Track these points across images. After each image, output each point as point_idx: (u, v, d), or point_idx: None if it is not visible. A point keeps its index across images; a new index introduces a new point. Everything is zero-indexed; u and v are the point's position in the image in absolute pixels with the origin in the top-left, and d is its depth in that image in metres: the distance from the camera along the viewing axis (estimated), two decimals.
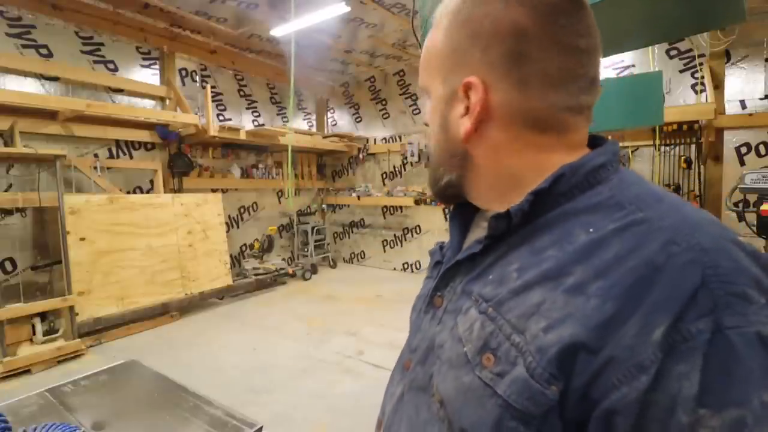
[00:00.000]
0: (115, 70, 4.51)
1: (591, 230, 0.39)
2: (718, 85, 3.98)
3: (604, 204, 0.41)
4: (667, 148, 4.20)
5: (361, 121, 7.08)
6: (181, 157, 4.87)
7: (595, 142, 0.50)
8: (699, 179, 4.06)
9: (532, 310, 0.38)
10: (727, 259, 0.33)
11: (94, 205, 3.79)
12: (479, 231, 0.53)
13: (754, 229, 2.33)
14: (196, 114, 4.83)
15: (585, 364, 0.34)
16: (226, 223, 5.26)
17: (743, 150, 3.99)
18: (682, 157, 4.15)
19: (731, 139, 4.03)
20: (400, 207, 6.52)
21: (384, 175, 6.77)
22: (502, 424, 0.37)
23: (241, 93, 6.00)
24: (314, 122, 7.39)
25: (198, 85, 5.34)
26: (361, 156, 6.91)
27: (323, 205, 7.30)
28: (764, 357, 0.30)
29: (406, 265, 6.57)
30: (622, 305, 0.33)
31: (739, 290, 0.32)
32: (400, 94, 6.54)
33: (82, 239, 3.66)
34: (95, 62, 4.35)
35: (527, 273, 0.41)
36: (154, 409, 1.11)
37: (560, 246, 0.40)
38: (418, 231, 6.42)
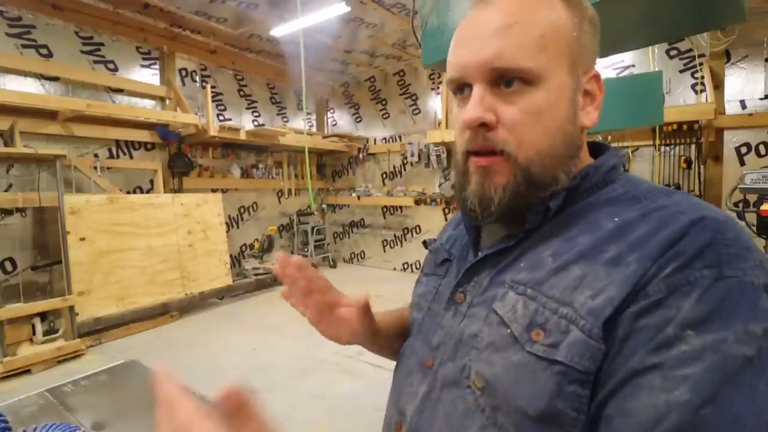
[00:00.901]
0: (115, 70, 4.51)
1: (616, 219, 0.44)
2: (718, 85, 3.98)
3: (622, 198, 0.47)
4: (667, 148, 4.20)
5: (361, 121, 7.08)
6: (181, 157, 4.87)
7: (600, 147, 0.55)
8: (699, 179, 4.06)
9: (575, 284, 0.42)
10: (732, 230, 0.40)
11: (94, 205, 3.79)
12: (498, 228, 0.54)
13: (754, 229, 2.33)
14: (196, 114, 4.83)
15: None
16: (226, 223, 5.26)
17: (743, 150, 3.99)
18: (682, 157, 4.14)
19: (731, 139, 4.03)
20: (400, 207, 6.52)
21: (384, 175, 6.77)
22: (562, 391, 0.39)
23: (241, 93, 6.00)
24: (314, 122, 7.39)
25: (198, 85, 5.34)
26: (361, 156, 6.91)
27: (323, 205, 7.30)
28: (754, 298, 0.36)
29: (406, 265, 6.57)
30: (655, 260, 0.39)
31: (739, 252, 0.38)
32: (400, 94, 6.54)
33: (82, 239, 3.66)
34: (95, 62, 4.35)
35: (562, 256, 0.45)
36: (154, 409, 1.11)
37: (590, 233, 0.45)
38: (418, 231, 6.42)
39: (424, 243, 0.71)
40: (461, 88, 0.50)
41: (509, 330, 0.44)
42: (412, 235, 6.49)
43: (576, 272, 0.42)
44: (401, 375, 0.59)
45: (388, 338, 0.68)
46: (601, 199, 0.48)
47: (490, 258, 0.52)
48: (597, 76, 0.50)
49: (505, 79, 0.46)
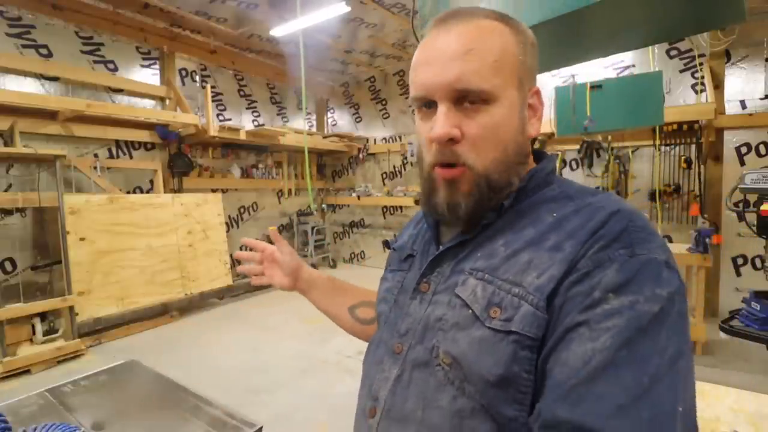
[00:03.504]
0: (115, 70, 4.51)
1: (554, 214, 0.54)
2: (718, 85, 3.98)
3: (559, 197, 0.56)
4: (667, 148, 4.20)
5: (361, 121, 7.08)
6: (181, 157, 4.87)
7: (539, 153, 0.64)
8: (699, 179, 4.06)
9: (524, 267, 0.50)
10: (640, 219, 0.50)
11: (94, 205, 3.79)
12: (457, 223, 0.60)
13: (754, 229, 2.33)
14: (196, 114, 4.82)
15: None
16: (226, 223, 5.26)
17: (743, 150, 3.99)
18: (682, 157, 4.14)
19: (731, 139, 4.03)
20: (400, 207, 6.52)
21: (384, 175, 6.77)
22: (516, 356, 0.47)
23: (241, 93, 6.00)
24: (314, 122, 7.38)
25: (198, 85, 5.34)
26: (361, 156, 6.91)
27: (323, 205, 7.30)
28: (659, 270, 0.45)
29: None
30: (584, 244, 0.48)
31: (646, 236, 0.48)
32: (400, 94, 6.54)
33: (82, 239, 3.66)
34: (95, 62, 4.35)
35: (513, 245, 0.53)
36: (154, 409, 1.11)
37: (534, 225, 0.54)
38: None
39: (386, 243, 0.81)
40: (427, 104, 0.56)
41: (471, 310, 0.51)
42: None
43: (524, 258, 0.51)
44: (371, 365, 0.64)
45: (312, 282, 0.94)
46: (543, 197, 0.57)
47: (450, 250, 0.59)
48: (538, 92, 0.59)
49: (467, 99, 0.53)
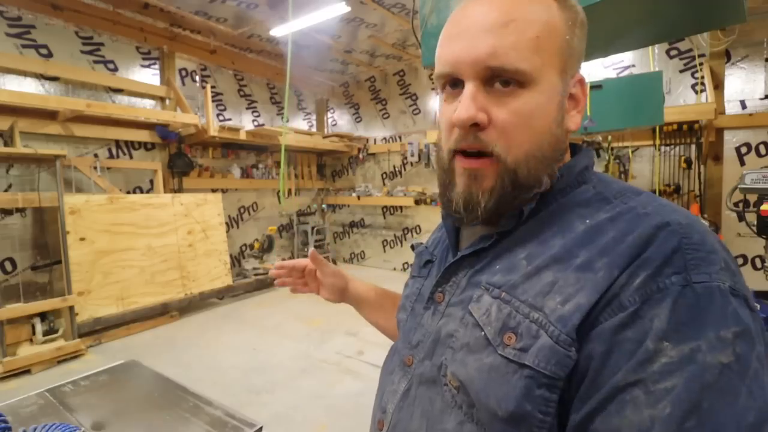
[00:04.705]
0: (115, 70, 4.51)
1: (587, 221, 0.45)
2: (718, 85, 3.98)
3: (593, 199, 0.48)
4: (667, 148, 4.20)
5: (361, 121, 7.08)
6: (181, 157, 4.87)
7: (574, 147, 0.55)
8: (699, 179, 4.06)
9: (547, 289, 0.42)
10: (697, 232, 0.40)
11: (94, 205, 3.79)
12: (477, 229, 0.55)
13: (754, 229, 2.33)
14: (196, 114, 4.82)
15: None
16: (226, 223, 5.26)
17: (743, 150, 3.99)
18: (682, 157, 4.14)
19: (731, 139, 4.03)
20: (400, 207, 6.52)
21: (384, 175, 6.77)
22: (530, 394, 0.40)
23: (241, 93, 6.00)
24: (314, 122, 7.38)
25: (198, 85, 5.34)
26: (361, 156, 6.91)
27: (323, 205, 7.30)
28: (722, 302, 0.36)
29: (406, 265, 6.57)
30: (623, 268, 0.39)
31: (705, 256, 0.38)
32: (400, 94, 6.54)
33: (82, 239, 3.66)
34: (95, 62, 4.35)
35: (536, 259, 0.45)
36: (154, 409, 1.11)
37: (562, 235, 0.45)
38: (418, 231, 6.41)
39: (412, 246, 0.74)
40: (452, 83, 0.48)
41: (483, 333, 0.44)
42: (412, 235, 6.49)
43: (548, 277, 0.43)
44: (385, 374, 0.61)
45: (359, 299, 0.91)
46: (574, 200, 0.48)
47: (467, 258, 0.52)
48: (582, 81, 0.50)
49: (500, 79, 0.45)
